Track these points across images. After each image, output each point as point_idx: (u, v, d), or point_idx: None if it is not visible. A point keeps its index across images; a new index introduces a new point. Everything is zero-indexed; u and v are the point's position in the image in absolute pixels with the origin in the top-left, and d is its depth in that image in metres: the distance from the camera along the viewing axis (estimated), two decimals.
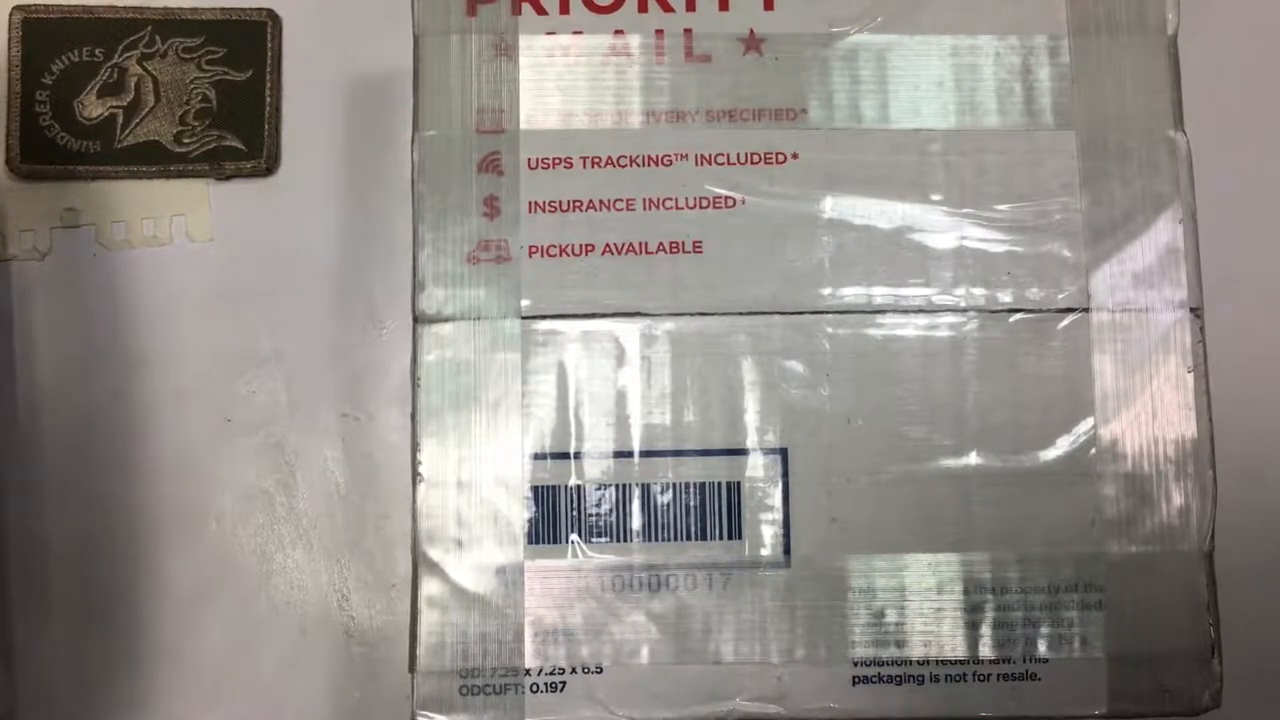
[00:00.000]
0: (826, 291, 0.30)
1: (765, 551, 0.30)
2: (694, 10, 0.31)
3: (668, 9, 0.31)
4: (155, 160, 0.37)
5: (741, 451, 0.30)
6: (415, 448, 0.30)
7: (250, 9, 0.37)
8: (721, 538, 0.30)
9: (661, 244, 0.30)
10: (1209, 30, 0.37)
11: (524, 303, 0.30)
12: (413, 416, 0.30)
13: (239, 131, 0.37)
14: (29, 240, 0.36)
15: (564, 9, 0.31)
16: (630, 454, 0.30)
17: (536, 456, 0.30)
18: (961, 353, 0.30)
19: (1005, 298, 0.30)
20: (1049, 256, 0.30)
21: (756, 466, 0.30)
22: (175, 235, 0.37)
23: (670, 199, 0.31)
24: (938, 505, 0.30)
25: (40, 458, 0.36)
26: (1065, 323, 0.30)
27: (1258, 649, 0.35)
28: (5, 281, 0.36)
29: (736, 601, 0.30)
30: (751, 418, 0.30)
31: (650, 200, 0.31)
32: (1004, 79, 0.31)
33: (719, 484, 0.30)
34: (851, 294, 0.30)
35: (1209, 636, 0.30)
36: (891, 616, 0.30)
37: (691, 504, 0.30)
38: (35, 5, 0.37)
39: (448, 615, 0.29)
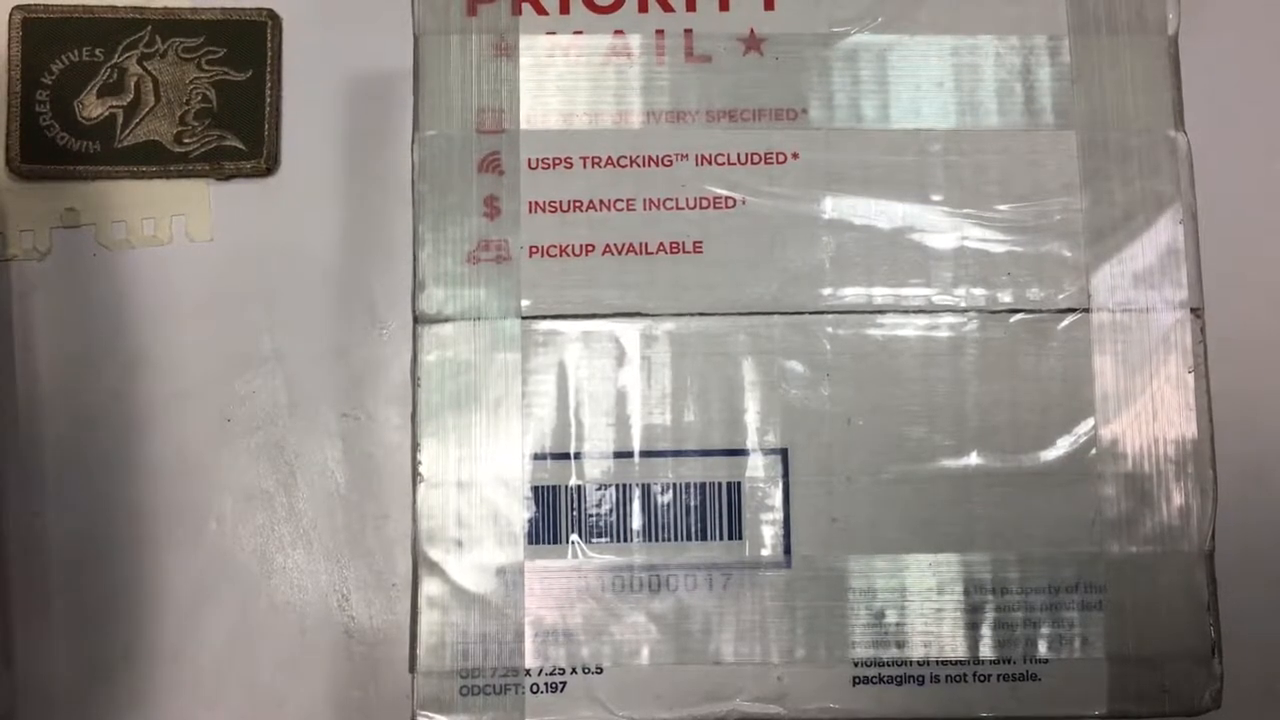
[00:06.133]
0: (826, 291, 0.30)
1: (765, 552, 0.30)
2: (694, 10, 0.31)
3: (668, 9, 0.31)
4: (155, 160, 0.37)
5: (742, 452, 0.30)
6: (415, 448, 0.30)
7: (250, 9, 0.37)
8: (722, 538, 0.30)
9: (662, 244, 0.30)
10: (1209, 30, 0.37)
11: (524, 303, 0.30)
12: (413, 416, 0.30)
13: (239, 131, 0.37)
14: (29, 240, 0.36)
15: (564, 9, 0.31)
16: (630, 454, 0.30)
17: (537, 456, 0.30)
18: (962, 353, 0.30)
19: (1005, 298, 0.30)
20: (1049, 256, 0.30)
21: (757, 467, 0.30)
22: (175, 235, 0.37)
23: (670, 199, 0.31)
24: (938, 505, 0.30)
25: (40, 458, 0.36)
26: (1065, 323, 0.30)
27: (1258, 649, 0.35)
28: (5, 281, 0.36)
29: (737, 602, 0.30)
30: (752, 418, 0.30)
31: (650, 200, 0.31)
32: (1004, 79, 0.31)
33: (719, 484, 0.30)
34: (851, 294, 0.30)
35: (1209, 636, 0.30)
36: (892, 617, 0.30)
37: (692, 504, 0.30)
38: (35, 5, 0.37)
39: (448, 615, 0.29)
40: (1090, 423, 0.30)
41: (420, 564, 0.30)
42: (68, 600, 0.35)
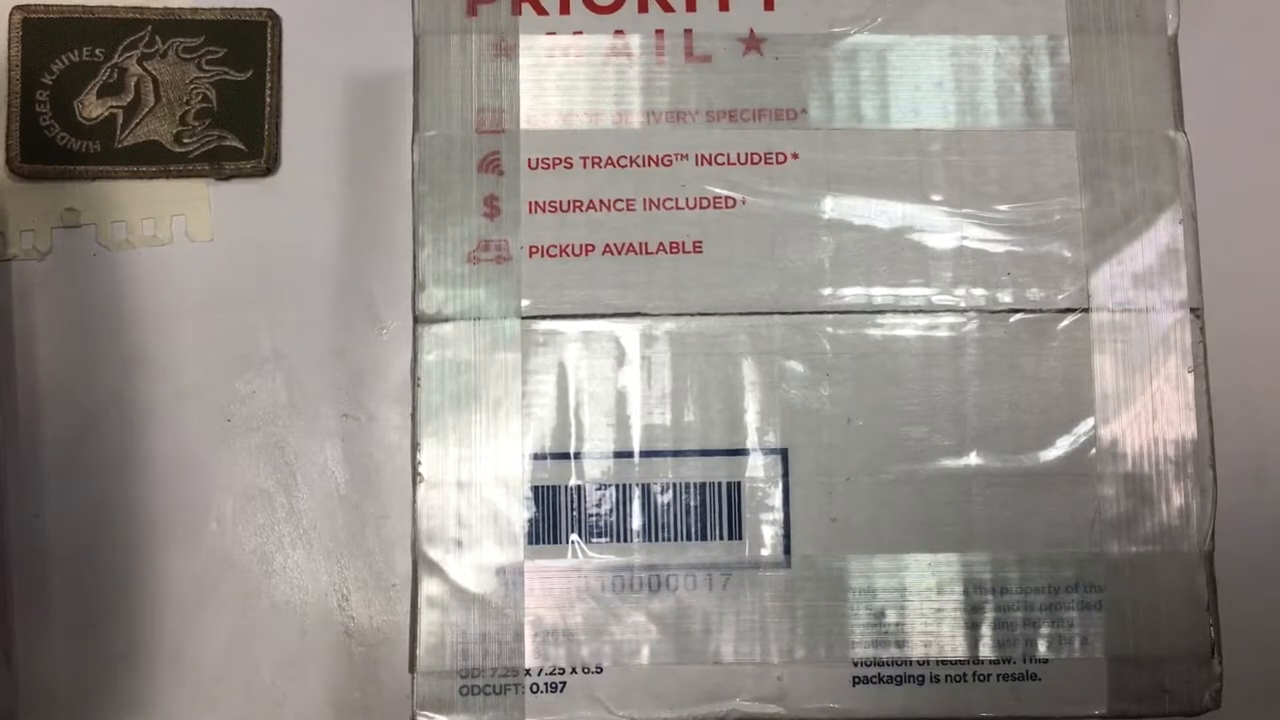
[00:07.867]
0: (826, 292, 0.30)
1: (765, 551, 0.30)
2: (694, 10, 0.31)
3: (668, 9, 0.31)
4: (155, 160, 0.37)
5: (742, 452, 0.30)
6: (415, 448, 0.30)
7: (250, 9, 0.37)
8: (721, 538, 0.30)
9: (661, 244, 0.30)
10: (1209, 30, 0.37)
11: (524, 303, 0.30)
12: (413, 416, 0.30)
13: (239, 131, 0.37)
14: (29, 240, 0.36)
15: (564, 9, 0.31)
16: (630, 454, 0.30)
17: (536, 456, 0.30)
18: (961, 353, 0.30)
19: (1005, 298, 0.30)
20: (1049, 256, 0.30)
21: (757, 466, 0.30)
22: (175, 235, 0.37)
23: (670, 199, 0.31)
24: (938, 505, 0.30)
25: (40, 458, 0.36)
26: (1065, 323, 0.30)
27: (1258, 649, 0.35)
28: (5, 281, 0.36)
29: (736, 601, 0.30)
30: (752, 418, 0.30)
31: (650, 200, 0.31)
32: (1004, 79, 0.31)
33: (719, 484, 0.30)
34: (851, 294, 0.30)
35: (1209, 636, 0.30)
36: (891, 617, 0.30)
37: (691, 504, 0.30)
38: (35, 5, 0.37)
39: (448, 615, 0.29)
40: (1090, 423, 0.30)
41: (420, 564, 0.30)
42: (68, 600, 0.35)
